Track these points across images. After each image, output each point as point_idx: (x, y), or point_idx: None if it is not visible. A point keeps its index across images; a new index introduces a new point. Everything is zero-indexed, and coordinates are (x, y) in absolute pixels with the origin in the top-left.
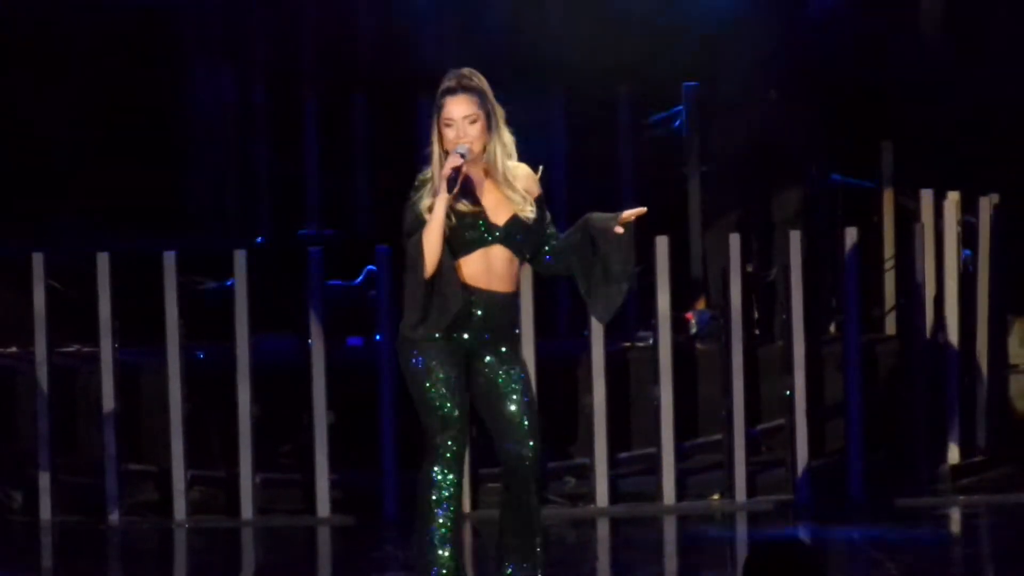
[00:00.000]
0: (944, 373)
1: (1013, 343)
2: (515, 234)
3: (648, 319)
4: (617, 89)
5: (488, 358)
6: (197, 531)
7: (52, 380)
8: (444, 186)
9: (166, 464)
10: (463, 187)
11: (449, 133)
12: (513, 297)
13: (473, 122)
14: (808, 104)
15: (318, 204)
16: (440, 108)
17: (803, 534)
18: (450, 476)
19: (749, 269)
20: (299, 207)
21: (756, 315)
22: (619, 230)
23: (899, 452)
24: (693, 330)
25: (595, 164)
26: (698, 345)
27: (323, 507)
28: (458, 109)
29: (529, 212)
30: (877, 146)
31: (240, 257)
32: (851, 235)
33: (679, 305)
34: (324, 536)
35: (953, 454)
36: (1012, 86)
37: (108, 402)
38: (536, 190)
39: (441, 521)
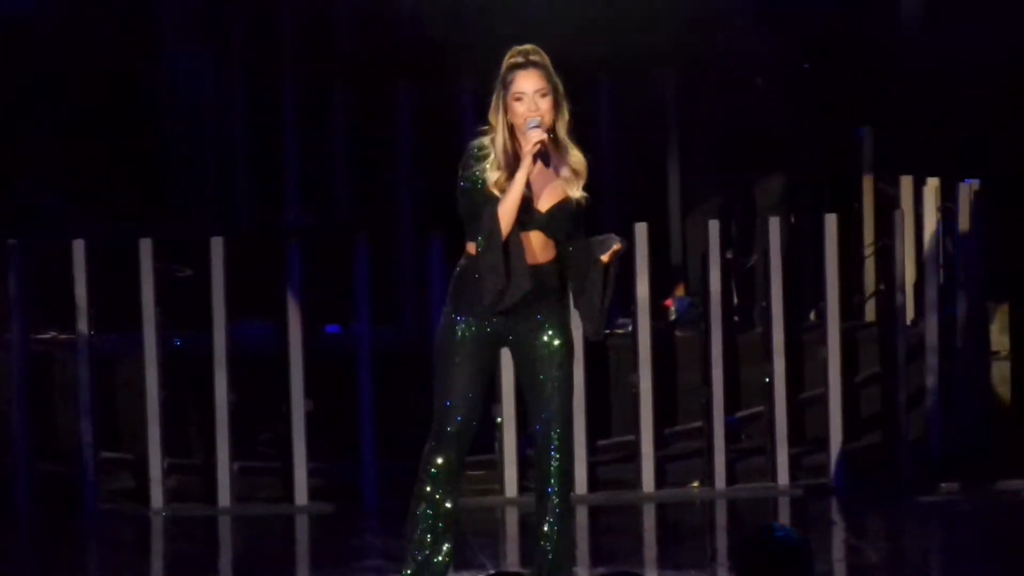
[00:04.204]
0: (924, 361)
1: (994, 330)
2: (557, 220)
3: (627, 306)
4: (597, 76)
5: (522, 330)
6: (174, 519)
7: (28, 367)
8: (528, 160)
9: (143, 452)
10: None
11: (519, 107)
12: (546, 267)
13: (544, 96)
14: (792, 91)
15: (297, 191)
16: (509, 83)
17: (788, 526)
18: (441, 471)
19: (729, 255)
20: (278, 194)
21: (736, 302)
22: (604, 259)
23: (879, 440)
24: (672, 317)
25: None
26: (677, 332)
27: (301, 495)
28: (529, 83)
29: (577, 193)
30: (858, 132)
31: (217, 244)
32: (831, 222)
33: (658, 292)
34: (302, 524)
35: (933, 442)
36: (993, 73)
37: (84, 389)
38: (585, 175)
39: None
